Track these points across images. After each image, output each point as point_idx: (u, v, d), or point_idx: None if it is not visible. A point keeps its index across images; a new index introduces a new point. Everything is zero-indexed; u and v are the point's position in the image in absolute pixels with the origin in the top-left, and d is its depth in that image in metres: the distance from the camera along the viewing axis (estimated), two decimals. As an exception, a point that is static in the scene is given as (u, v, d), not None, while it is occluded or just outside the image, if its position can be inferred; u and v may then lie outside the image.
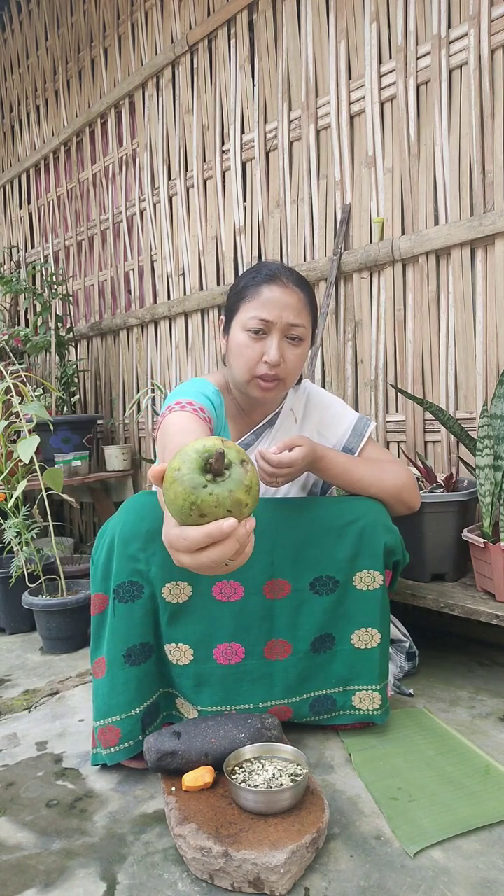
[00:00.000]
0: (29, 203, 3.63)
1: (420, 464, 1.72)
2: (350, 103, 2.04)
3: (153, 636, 1.23)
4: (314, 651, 1.27)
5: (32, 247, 3.64)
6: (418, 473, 1.72)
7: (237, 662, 1.25)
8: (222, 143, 2.46)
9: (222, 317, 1.36)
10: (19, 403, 1.95)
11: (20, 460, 1.89)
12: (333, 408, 1.46)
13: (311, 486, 1.48)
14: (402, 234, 1.94)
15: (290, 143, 2.23)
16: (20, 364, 2.92)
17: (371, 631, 1.27)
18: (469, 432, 1.70)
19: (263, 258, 2.35)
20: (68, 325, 3.04)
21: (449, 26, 1.79)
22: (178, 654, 1.23)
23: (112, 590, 1.21)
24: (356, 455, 1.40)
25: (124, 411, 3.00)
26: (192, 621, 1.23)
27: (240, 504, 0.62)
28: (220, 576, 1.21)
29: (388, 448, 2.02)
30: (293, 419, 1.43)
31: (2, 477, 2.02)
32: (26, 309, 3.42)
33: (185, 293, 2.67)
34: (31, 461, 1.85)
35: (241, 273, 1.45)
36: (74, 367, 2.92)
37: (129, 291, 2.99)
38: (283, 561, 1.25)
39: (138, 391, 2.90)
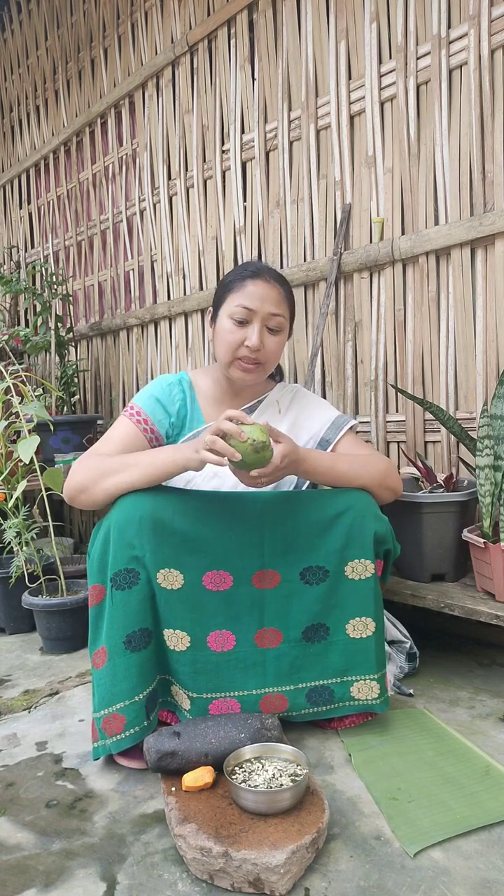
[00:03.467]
0: (29, 203, 3.63)
1: (420, 464, 1.72)
2: (350, 103, 2.04)
3: (152, 622, 1.24)
4: (306, 640, 1.29)
5: (32, 247, 3.64)
6: (418, 473, 1.72)
7: (229, 650, 1.27)
8: (222, 143, 2.46)
9: (210, 308, 1.45)
10: (19, 403, 1.95)
11: (20, 460, 1.89)
12: (317, 403, 1.52)
13: (284, 480, 1.48)
14: (402, 234, 1.94)
15: (290, 143, 2.23)
16: (20, 364, 2.92)
17: (365, 620, 1.29)
18: (469, 432, 1.70)
19: (263, 258, 2.35)
20: (68, 325, 3.04)
21: (449, 26, 1.79)
22: (176, 640, 1.25)
23: (109, 578, 1.23)
24: (332, 445, 1.43)
25: (124, 411, 3.00)
26: (187, 608, 1.25)
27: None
28: (209, 566, 1.26)
29: (388, 448, 2.02)
30: (277, 409, 1.48)
31: (2, 477, 2.02)
32: (26, 309, 3.42)
33: (185, 293, 2.67)
34: (31, 461, 1.85)
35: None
36: (74, 367, 2.92)
37: (129, 291, 2.99)
38: (273, 552, 1.28)
39: (138, 391, 2.90)
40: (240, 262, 2.44)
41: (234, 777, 1.06)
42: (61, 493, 1.97)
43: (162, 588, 1.23)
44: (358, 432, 2.01)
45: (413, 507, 1.57)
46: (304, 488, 1.48)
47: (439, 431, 1.88)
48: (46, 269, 2.90)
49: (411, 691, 1.51)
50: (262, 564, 1.28)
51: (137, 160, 2.85)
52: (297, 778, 1.04)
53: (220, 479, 1.40)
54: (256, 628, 1.28)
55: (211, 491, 1.35)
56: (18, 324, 3.45)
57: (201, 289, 2.60)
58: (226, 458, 1.15)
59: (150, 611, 1.23)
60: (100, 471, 1.29)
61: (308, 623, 1.29)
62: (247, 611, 1.28)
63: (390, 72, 1.93)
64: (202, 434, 1.21)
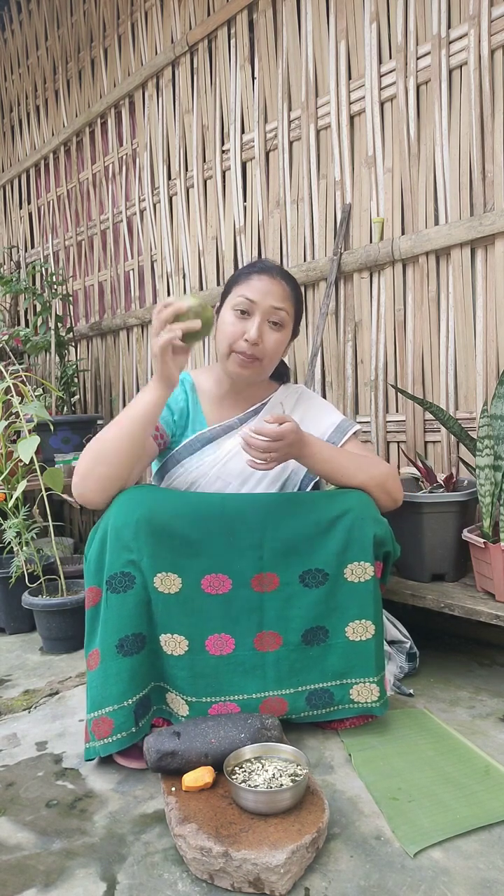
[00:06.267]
0: (29, 203, 3.63)
1: (420, 464, 1.72)
2: (350, 103, 2.04)
3: (146, 627, 1.24)
4: (306, 643, 1.28)
5: (32, 247, 3.64)
6: (418, 473, 1.72)
7: (228, 653, 1.26)
8: (222, 143, 2.46)
9: (217, 302, 1.46)
10: (19, 403, 1.95)
11: (20, 460, 1.89)
12: (322, 406, 1.52)
13: (288, 482, 1.48)
14: (402, 234, 1.94)
15: (290, 143, 2.23)
16: (20, 364, 2.92)
17: (365, 623, 1.28)
18: (469, 432, 1.70)
19: (263, 258, 2.35)
20: (68, 325, 3.04)
21: (449, 26, 1.79)
22: (174, 644, 1.24)
23: (105, 581, 1.23)
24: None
25: (124, 411, 3.00)
26: (185, 612, 1.25)
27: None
28: (208, 569, 1.25)
29: (388, 448, 2.02)
30: (281, 411, 1.47)
31: (2, 477, 2.02)
32: (26, 309, 3.42)
33: (185, 293, 2.67)
34: (31, 461, 1.84)
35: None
36: (74, 367, 2.92)
37: (130, 291, 2.99)
38: (272, 555, 1.28)
39: (138, 391, 2.90)
40: (240, 263, 2.44)
41: (234, 777, 1.06)
42: (61, 493, 1.97)
43: (159, 592, 1.23)
44: (362, 436, 2.01)
45: (413, 507, 1.57)
46: (308, 489, 1.48)
47: (439, 431, 1.88)
48: (46, 269, 2.90)
49: (411, 691, 1.51)
50: (261, 567, 1.27)
51: (137, 160, 2.85)
52: (297, 778, 1.04)
53: (223, 481, 1.39)
54: (256, 632, 1.28)
55: (210, 493, 1.34)
56: (18, 324, 3.45)
57: (201, 289, 2.60)
58: (179, 333, 1.19)
59: (144, 615, 1.23)
60: (92, 445, 1.27)
61: (307, 626, 1.28)
62: (246, 614, 1.27)
63: (390, 72, 1.93)
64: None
